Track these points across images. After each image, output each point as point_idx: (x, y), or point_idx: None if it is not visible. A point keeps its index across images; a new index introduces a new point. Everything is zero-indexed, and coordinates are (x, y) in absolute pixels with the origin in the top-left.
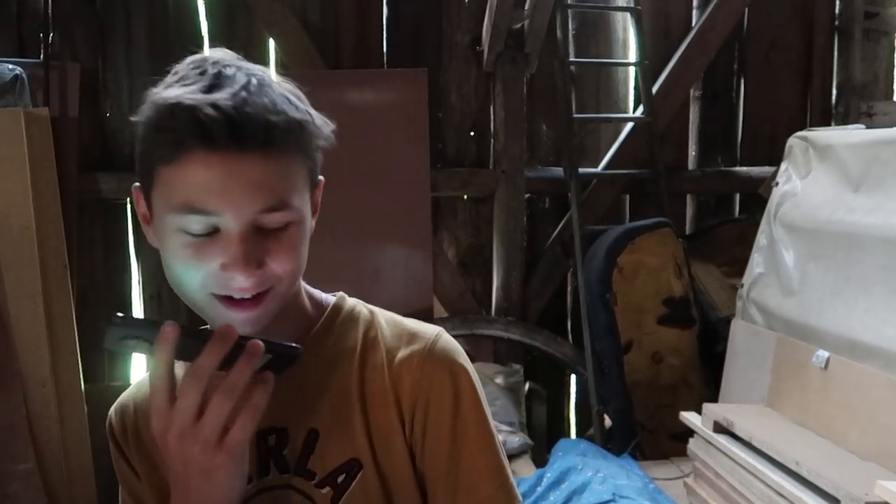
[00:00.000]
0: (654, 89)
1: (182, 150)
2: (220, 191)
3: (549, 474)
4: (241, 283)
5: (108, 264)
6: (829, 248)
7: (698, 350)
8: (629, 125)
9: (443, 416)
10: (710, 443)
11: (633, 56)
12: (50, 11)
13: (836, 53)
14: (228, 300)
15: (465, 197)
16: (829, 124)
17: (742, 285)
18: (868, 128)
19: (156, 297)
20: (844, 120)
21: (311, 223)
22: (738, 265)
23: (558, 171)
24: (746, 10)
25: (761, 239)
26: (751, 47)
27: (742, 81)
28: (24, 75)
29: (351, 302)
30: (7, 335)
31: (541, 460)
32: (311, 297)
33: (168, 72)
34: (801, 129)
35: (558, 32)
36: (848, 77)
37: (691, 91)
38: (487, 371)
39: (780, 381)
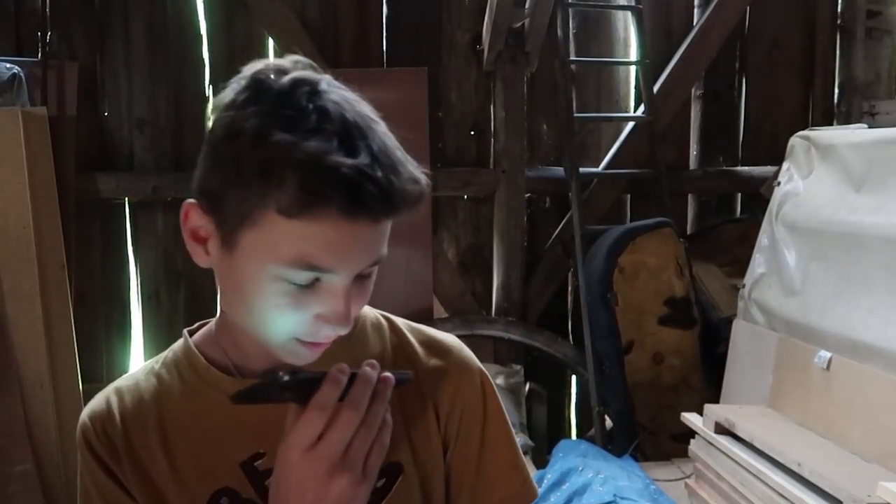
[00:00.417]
0: (656, 88)
1: (312, 209)
2: (340, 252)
3: (549, 475)
4: (335, 333)
5: (107, 264)
6: (831, 248)
7: (699, 351)
8: (630, 124)
9: (474, 421)
10: (711, 444)
11: (634, 55)
12: (48, 10)
13: (838, 52)
14: (309, 343)
15: (466, 196)
16: (831, 124)
17: (743, 285)
18: (870, 127)
19: (154, 297)
20: (847, 119)
21: None
22: (739, 265)
23: (559, 170)
24: (748, 8)
25: (763, 239)
26: (752, 46)
27: (744, 80)
28: (21, 74)
29: (365, 308)
30: (5, 335)
31: (541, 461)
32: None
33: (226, 87)
34: (803, 129)
35: (559, 31)
36: (850, 76)
37: (693, 90)
38: (488, 371)
39: (782, 381)
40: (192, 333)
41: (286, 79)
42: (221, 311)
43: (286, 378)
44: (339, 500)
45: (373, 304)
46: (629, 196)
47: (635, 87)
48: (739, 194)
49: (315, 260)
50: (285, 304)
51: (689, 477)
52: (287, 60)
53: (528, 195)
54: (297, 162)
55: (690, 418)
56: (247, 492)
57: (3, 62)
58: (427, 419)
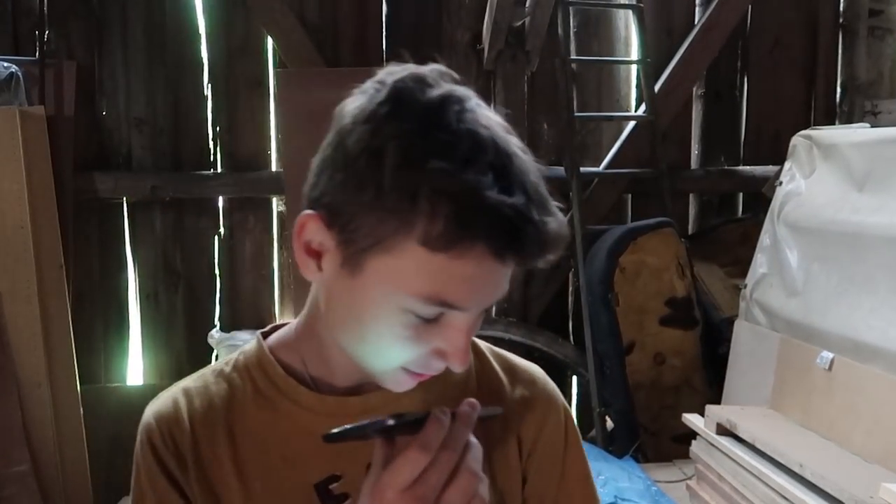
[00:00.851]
0: (657, 87)
1: (460, 245)
2: (478, 290)
3: None
4: (446, 368)
5: (105, 265)
6: (834, 248)
7: (701, 351)
8: (631, 124)
9: (555, 457)
10: (712, 445)
11: (635, 54)
12: (46, 9)
13: (840, 51)
14: (415, 374)
15: None
16: (833, 123)
17: (745, 286)
18: (872, 126)
19: (152, 297)
20: (849, 118)
21: None
22: (741, 265)
23: (559, 170)
24: (750, 7)
25: (765, 239)
26: (754, 45)
27: (745, 79)
28: (19, 73)
29: None
30: (2, 336)
31: None
32: None
33: (355, 91)
34: (804, 128)
35: (559, 30)
36: (852, 75)
37: (694, 89)
38: None
39: (784, 382)
40: (264, 336)
41: (434, 94)
42: (308, 321)
43: (391, 422)
44: None
45: None
46: (630, 196)
47: (636, 87)
48: (741, 194)
49: (450, 297)
50: (406, 336)
51: (690, 478)
52: (428, 69)
53: None
54: (453, 194)
55: (692, 419)
56: None
57: (1, 61)
58: (509, 450)
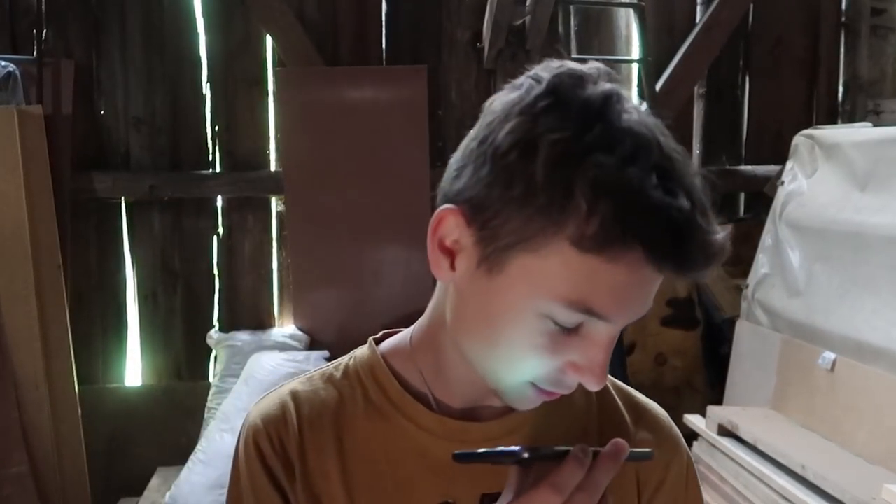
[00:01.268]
0: (658, 86)
1: (616, 247)
2: (626, 300)
3: None
4: (578, 385)
5: (103, 265)
6: (836, 248)
7: (702, 352)
8: None
9: (675, 498)
10: (714, 446)
11: (636, 53)
12: (43, 7)
13: (842, 50)
14: (544, 390)
15: None
16: (835, 122)
17: (747, 286)
18: (875, 126)
19: (150, 297)
20: (851, 118)
21: None
22: (742, 265)
23: None
24: (751, 5)
25: (766, 239)
26: (756, 44)
27: (747, 78)
28: (17, 72)
29: None
30: (0, 336)
31: None
32: None
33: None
34: (806, 127)
35: (560, 29)
36: (855, 74)
37: (695, 88)
38: None
39: (786, 383)
40: (376, 342)
41: (596, 91)
42: (428, 330)
43: (527, 455)
44: None
45: (372, 304)
46: None
47: (637, 86)
48: (742, 194)
49: (596, 304)
50: (541, 344)
51: None
52: (587, 67)
53: None
54: (613, 191)
55: (693, 420)
56: None
57: None
58: (626, 493)
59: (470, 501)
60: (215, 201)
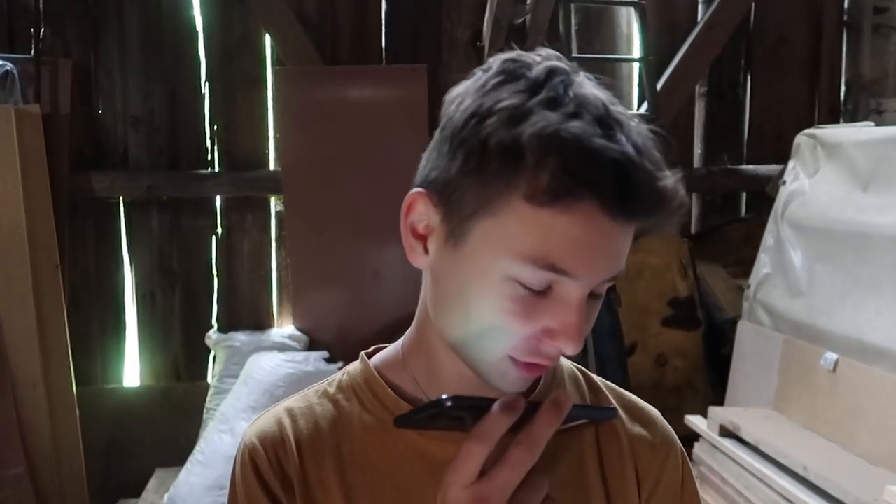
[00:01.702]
0: (659, 86)
1: (567, 198)
2: (587, 253)
3: None
4: (558, 353)
5: (101, 265)
6: (838, 248)
7: (704, 352)
8: None
9: (675, 497)
10: (715, 447)
11: (637, 52)
12: (41, 6)
13: (844, 49)
14: (524, 364)
15: None
16: (837, 121)
17: (748, 286)
18: (877, 125)
19: (149, 297)
20: (853, 117)
21: None
22: (744, 265)
23: None
24: (753, 4)
25: (768, 239)
26: (757, 42)
27: (748, 77)
28: (14, 71)
29: (561, 359)
30: None
31: None
32: None
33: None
34: (808, 127)
35: (561, 28)
36: (857, 73)
37: (697, 87)
38: None
39: (788, 383)
40: (368, 356)
41: (540, 67)
42: (416, 333)
43: (449, 403)
44: None
45: (371, 304)
46: None
47: (638, 85)
48: (744, 193)
49: (557, 259)
50: (512, 310)
51: None
52: (536, 53)
53: None
54: (561, 142)
55: (694, 421)
56: None
57: None
58: (628, 486)
59: None
60: (214, 201)
